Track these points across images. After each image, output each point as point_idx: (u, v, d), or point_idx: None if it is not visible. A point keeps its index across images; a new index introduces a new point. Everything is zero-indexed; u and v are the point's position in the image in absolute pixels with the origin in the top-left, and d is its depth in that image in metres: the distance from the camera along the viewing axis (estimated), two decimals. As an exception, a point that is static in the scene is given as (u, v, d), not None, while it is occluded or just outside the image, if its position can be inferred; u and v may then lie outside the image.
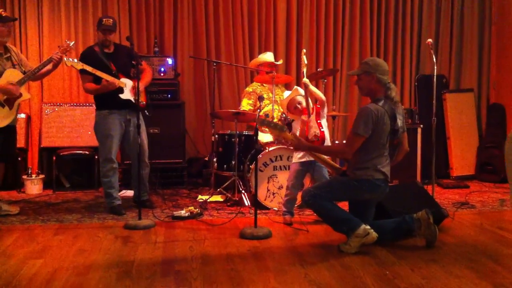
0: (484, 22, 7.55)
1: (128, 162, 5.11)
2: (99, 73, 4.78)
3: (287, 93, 5.01)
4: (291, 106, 4.80)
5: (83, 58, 4.93)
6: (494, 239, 4.16)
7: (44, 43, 6.49)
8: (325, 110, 4.74)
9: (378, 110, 3.75)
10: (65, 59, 4.77)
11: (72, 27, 6.57)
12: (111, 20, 5.00)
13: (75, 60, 4.79)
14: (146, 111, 5.09)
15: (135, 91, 4.78)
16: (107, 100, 4.94)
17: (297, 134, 4.62)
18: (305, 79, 4.64)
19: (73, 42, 5.02)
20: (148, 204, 5.18)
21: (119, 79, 4.87)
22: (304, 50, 4.95)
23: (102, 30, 4.96)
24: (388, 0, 7.34)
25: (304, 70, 4.75)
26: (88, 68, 4.75)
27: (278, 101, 5.83)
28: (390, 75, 7.19)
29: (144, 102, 5.08)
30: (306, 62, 4.82)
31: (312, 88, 4.68)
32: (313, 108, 4.64)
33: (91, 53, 5.00)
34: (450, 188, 6.40)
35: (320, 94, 4.71)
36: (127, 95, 4.93)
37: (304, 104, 4.71)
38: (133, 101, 4.87)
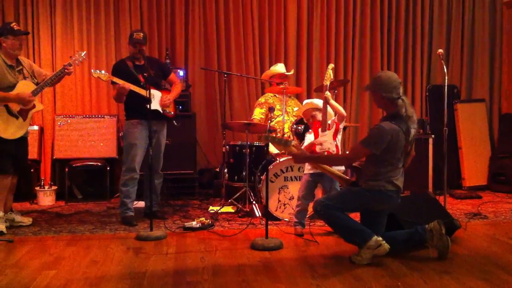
0: (495, 31, 7.53)
1: (141, 173, 5.14)
2: (127, 85, 4.89)
3: (305, 103, 4.98)
4: (307, 116, 4.85)
5: (115, 70, 5.11)
6: (507, 250, 4.12)
7: (57, 55, 6.57)
8: (343, 124, 4.75)
9: (393, 129, 3.73)
10: (92, 71, 4.94)
11: (85, 38, 6.65)
12: (142, 34, 5.13)
13: (103, 72, 4.92)
14: (174, 121, 5.32)
15: (164, 104, 5.08)
16: (136, 110, 5.03)
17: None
18: (327, 93, 4.62)
19: (84, 52, 5.08)
20: (159, 214, 5.21)
21: (149, 90, 4.89)
22: (332, 65, 4.90)
23: (133, 44, 5.09)
24: (399, 10, 7.35)
25: (328, 84, 4.70)
26: (114, 79, 4.89)
27: (290, 112, 5.85)
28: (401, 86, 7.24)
29: (173, 113, 5.27)
30: (332, 77, 4.79)
31: (333, 102, 4.64)
32: (330, 125, 4.63)
33: (122, 65, 5.13)
34: (462, 199, 6.35)
35: (341, 108, 4.67)
36: (155, 105, 5.05)
37: (318, 117, 4.72)
38: (161, 111, 5.08)
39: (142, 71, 5.00)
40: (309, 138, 4.80)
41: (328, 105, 4.62)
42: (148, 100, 4.71)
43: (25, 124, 4.84)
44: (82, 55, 5.02)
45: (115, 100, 5.32)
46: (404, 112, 3.76)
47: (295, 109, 5.93)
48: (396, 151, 3.78)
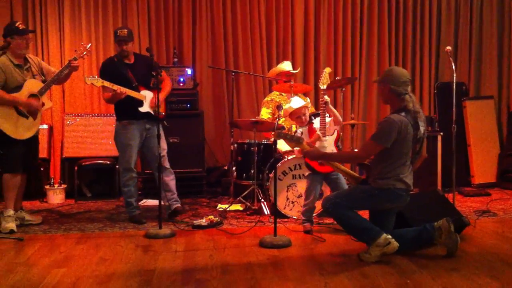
0: (503, 28, 7.49)
1: (148, 171, 5.12)
2: (117, 88, 4.83)
3: (294, 100, 4.91)
4: (294, 116, 4.81)
5: (104, 69, 5.06)
6: (516, 247, 4.11)
7: (65, 53, 6.58)
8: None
9: (402, 121, 3.73)
10: (85, 77, 4.86)
11: (93, 37, 6.66)
12: (126, 30, 5.02)
13: (96, 77, 4.87)
14: (164, 121, 5.13)
15: (155, 102, 4.86)
16: (126, 111, 5.01)
17: None
18: (326, 97, 4.61)
19: (89, 45, 5.10)
20: (179, 209, 5.12)
21: (139, 91, 4.93)
22: (329, 69, 4.86)
23: (118, 42, 5.02)
24: (406, 8, 7.33)
25: (324, 87, 4.68)
26: (107, 84, 4.82)
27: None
28: (409, 83, 7.22)
29: (163, 113, 5.14)
30: (329, 80, 4.76)
31: (331, 107, 4.65)
32: (329, 130, 4.65)
33: (111, 64, 5.08)
34: (471, 196, 6.33)
35: (338, 114, 4.71)
36: (146, 108, 4.99)
37: (307, 115, 4.74)
38: (152, 113, 4.98)
39: (133, 70, 4.98)
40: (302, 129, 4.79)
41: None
42: (139, 101, 4.72)
43: (36, 124, 4.87)
44: (87, 47, 5.03)
45: (107, 102, 5.17)
46: (412, 107, 3.77)
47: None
48: (405, 144, 3.76)
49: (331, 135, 4.66)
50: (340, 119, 4.71)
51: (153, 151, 5.00)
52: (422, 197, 4.90)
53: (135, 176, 5.11)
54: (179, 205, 5.18)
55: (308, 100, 4.91)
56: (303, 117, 4.76)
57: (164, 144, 5.12)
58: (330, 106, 4.64)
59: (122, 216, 5.32)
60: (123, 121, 5.07)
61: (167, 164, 5.17)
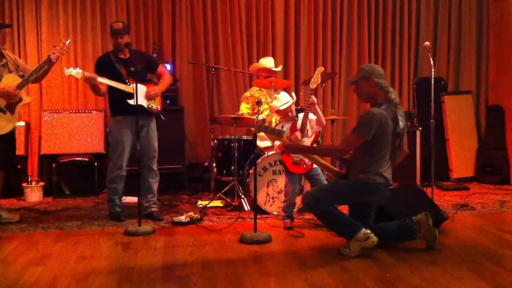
0: (482, 24, 7.57)
1: (133, 168, 5.02)
2: (88, 74, 4.74)
3: (283, 96, 4.85)
4: (282, 113, 4.79)
5: (98, 63, 5.01)
6: (494, 240, 4.16)
7: (43, 48, 6.51)
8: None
9: (382, 114, 3.75)
10: (64, 69, 4.75)
11: (71, 31, 6.61)
12: (121, 23, 4.98)
13: (77, 69, 4.76)
14: (161, 116, 5.14)
15: (149, 96, 4.91)
16: (119, 106, 4.89)
17: None
18: (314, 98, 4.59)
19: (68, 41, 5.01)
20: (155, 215, 5.00)
21: (129, 84, 4.85)
22: (322, 69, 4.82)
23: (112, 35, 4.95)
24: (386, 4, 7.38)
25: (314, 87, 4.65)
26: (88, 75, 4.71)
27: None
28: (388, 78, 7.29)
29: (160, 107, 5.09)
30: (319, 81, 4.75)
31: (317, 108, 4.63)
32: (308, 132, 4.64)
33: (105, 59, 5.01)
34: (450, 190, 6.40)
35: (322, 115, 4.68)
36: (138, 100, 4.80)
37: (294, 111, 4.73)
38: (146, 106, 4.93)
39: (127, 65, 4.90)
40: (284, 126, 4.77)
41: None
42: (131, 96, 4.65)
43: (13, 119, 4.79)
44: (66, 43, 4.95)
45: (94, 94, 5.11)
46: (394, 98, 3.81)
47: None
48: (385, 138, 3.78)
49: (311, 136, 4.65)
50: (323, 121, 4.70)
51: (142, 150, 4.95)
52: (401, 191, 4.92)
53: (123, 174, 4.98)
54: (156, 209, 5.12)
55: (294, 95, 4.88)
56: (290, 114, 4.75)
57: (155, 145, 5.09)
58: (316, 107, 4.62)
59: (102, 214, 5.27)
60: (116, 116, 4.99)
61: (155, 166, 5.11)
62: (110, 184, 5.01)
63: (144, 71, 5.07)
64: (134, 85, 4.57)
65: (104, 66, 4.90)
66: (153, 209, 5.08)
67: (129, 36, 5.11)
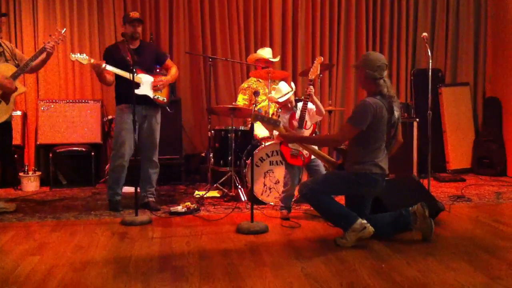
0: (480, 15, 7.55)
1: (131, 158, 5.02)
2: (102, 62, 4.75)
3: (282, 86, 4.82)
4: (282, 103, 4.77)
5: (106, 53, 5.02)
6: (490, 232, 4.17)
7: (39, 38, 6.47)
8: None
9: (377, 103, 3.76)
10: (71, 54, 4.75)
11: (68, 22, 6.56)
12: (137, 13, 5.03)
13: (83, 55, 4.75)
14: (167, 107, 5.15)
15: (156, 87, 4.92)
16: (124, 94, 4.86)
17: None
18: (312, 88, 4.56)
19: (64, 30, 4.99)
20: (152, 205, 5.01)
21: (136, 74, 4.77)
22: (321, 58, 4.79)
23: (130, 22, 4.90)
24: (384, -6, 7.35)
25: (313, 78, 4.62)
26: (95, 61, 4.74)
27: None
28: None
29: (166, 99, 5.09)
30: (318, 71, 4.72)
31: (315, 98, 4.60)
32: (313, 122, 4.63)
33: (113, 48, 5.01)
34: (446, 182, 6.42)
35: (320, 105, 4.64)
36: (143, 90, 4.87)
37: (293, 102, 4.72)
38: (151, 96, 4.93)
39: (132, 55, 4.80)
40: (283, 117, 4.76)
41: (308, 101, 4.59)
42: (137, 85, 4.63)
43: (9, 108, 4.78)
44: (62, 32, 4.93)
45: (101, 82, 5.09)
46: (386, 91, 3.80)
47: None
48: (380, 128, 3.79)
49: (309, 128, 4.64)
50: (323, 110, 4.66)
51: (144, 141, 4.97)
52: (398, 183, 4.93)
53: (124, 164, 4.93)
54: (153, 199, 5.12)
55: (293, 85, 4.85)
56: (289, 105, 4.74)
57: (157, 137, 5.10)
58: (314, 97, 4.59)
59: (98, 204, 5.27)
60: (121, 105, 4.97)
61: (155, 158, 5.12)
62: (111, 173, 4.99)
63: (152, 62, 5.09)
64: (135, 73, 4.56)
65: (112, 55, 4.90)
66: (150, 199, 5.07)
67: (142, 27, 5.15)
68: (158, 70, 5.22)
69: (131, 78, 4.55)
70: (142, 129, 4.99)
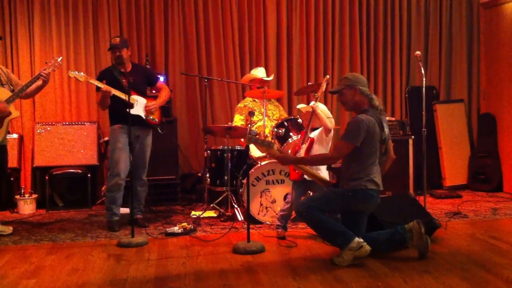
0: (472, 32, 7.61)
1: (128, 179, 5.08)
2: (103, 86, 4.85)
3: (323, 108, 4.68)
4: (303, 116, 4.83)
5: (101, 74, 5.18)
6: (487, 248, 4.17)
7: (35, 61, 6.49)
8: (329, 136, 4.58)
9: (369, 120, 3.81)
10: (69, 71, 4.93)
11: (64, 45, 6.59)
12: (118, 38, 5.13)
13: (81, 73, 4.92)
14: (159, 129, 5.28)
15: (148, 110, 5.09)
16: (118, 115, 5.01)
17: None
18: (314, 103, 4.55)
19: (60, 58, 5.06)
20: (140, 222, 5.13)
21: (130, 95, 4.86)
22: (327, 76, 4.89)
23: (111, 49, 5.10)
24: (377, 14, 7.41)
25: (318, 96, 4.65)
26: (92, 81, 4.90)
27: (270, 116, 5.86)
28: (380, 88, 7.34)
29: (158, 120, 5.24)
30: (322, 89, 4.77)
31: (320, 113, 4.51)
32: (307, 139, 4.57)
33: (107, 71, 5.12)
34: (442, 198, 6.42)
35: (326, 120, 4.50)
36: (136, 111, 5.02)
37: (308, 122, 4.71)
38: (143, 117, 5.08)
39: (126, 77, 4.91)
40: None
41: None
42: (129, 105, 4.69)
43: (1, 132, 4.80)
44: (58, 60, 5.00)
45: (99, 105, 5.26)
46: (378, 104, 3.91)
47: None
48: (373, 143, 3.83)
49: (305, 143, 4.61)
50: (328, 124, 4.50)
51: (135, 160, 5.02)
52: (393, 200, 4.95)
53: (121, 182, 5.04)
54: (141, 216, 5.29)
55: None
56: (307, 121, 4.64)
57: (148, 156, 5.27)
58: (319, 112, 4.49)
59: (95, 226, 5.26)
60: (116, 125, 5.10)
61: (144, 176, 5.30)
62: (108, 192, 5.10)
63: (144, 84, 5.25)
64: (128, 94, 4.68)
65: (108, 78, 4.99)
66: (138, 216, 5.20)
67: (128, 50, 5.23)
68: (154, 92, 5.32)
69: (127, 99, 4.63)
70: (134, 149, 5.04)
